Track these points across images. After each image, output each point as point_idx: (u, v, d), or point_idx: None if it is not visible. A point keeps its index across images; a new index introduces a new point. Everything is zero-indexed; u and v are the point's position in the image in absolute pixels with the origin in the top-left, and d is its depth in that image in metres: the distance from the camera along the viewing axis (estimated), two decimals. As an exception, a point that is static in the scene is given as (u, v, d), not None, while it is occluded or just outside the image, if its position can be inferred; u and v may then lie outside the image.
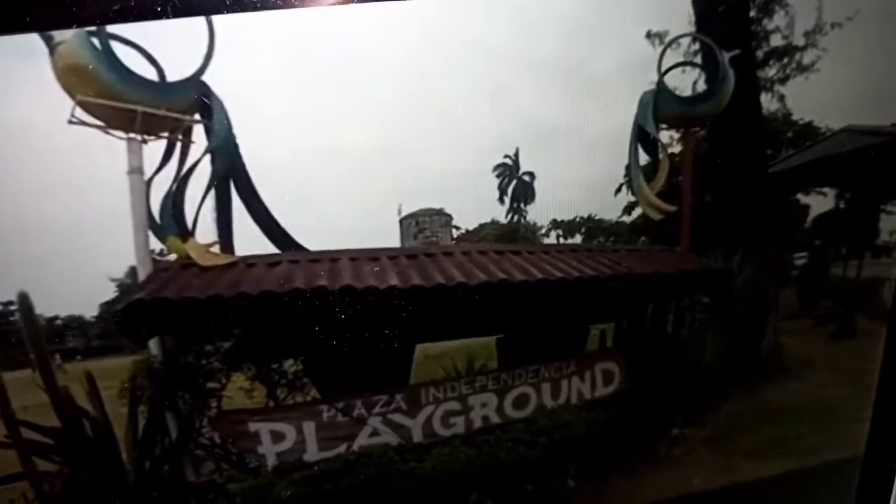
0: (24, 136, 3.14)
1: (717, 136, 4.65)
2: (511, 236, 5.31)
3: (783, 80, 4.94)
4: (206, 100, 3.40)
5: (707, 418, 4.16)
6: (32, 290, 3.24)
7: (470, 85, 3.90)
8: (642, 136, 4.25)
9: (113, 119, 3.31)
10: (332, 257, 3.52)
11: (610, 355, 4.17)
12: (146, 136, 3.45)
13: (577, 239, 5.13)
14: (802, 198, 5.38)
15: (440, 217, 4.85)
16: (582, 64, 3.93)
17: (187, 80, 3.41)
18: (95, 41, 3.13)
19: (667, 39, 4.42)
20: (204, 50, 3.35)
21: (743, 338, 4.45)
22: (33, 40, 3.06)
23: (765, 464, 3.86)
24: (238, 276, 3.28)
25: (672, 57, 4.38)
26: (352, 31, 3.20)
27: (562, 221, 5.26)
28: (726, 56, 4.15)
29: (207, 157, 3.57)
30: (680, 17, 4.38)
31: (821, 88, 4.81)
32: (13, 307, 3.38)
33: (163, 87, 3.39)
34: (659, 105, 4.17)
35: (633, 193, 4.48)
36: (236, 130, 3.45)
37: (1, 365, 3.24)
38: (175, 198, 3.38)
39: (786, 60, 4.88)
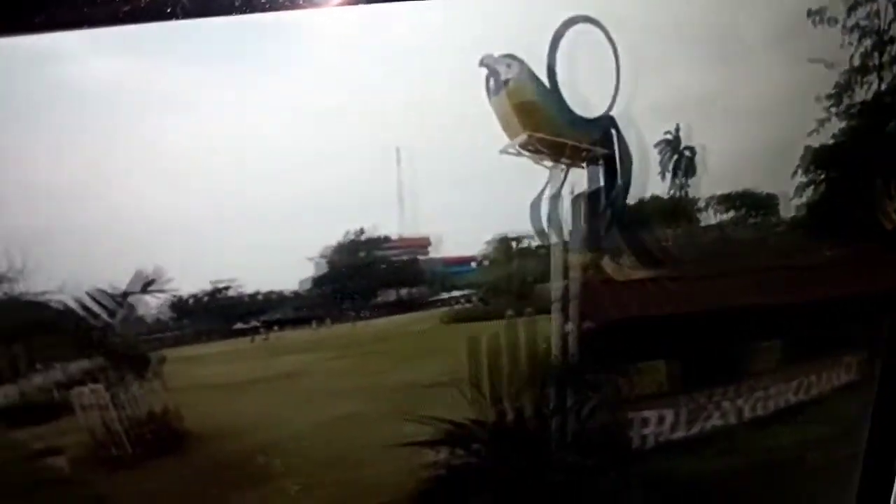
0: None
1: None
2: (672, 212, 5.89)
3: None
4: (613, 131, 3.77)
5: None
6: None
7: (626, 59, 4.27)
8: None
9: (544, 150, 3.57)
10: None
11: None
12: (566, 164, 3.77)
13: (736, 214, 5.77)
14: None
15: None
16: (736, 32, 4.35)
17: (602, 116, 3.77)
18: (544, 80, 3.41)
19: (826, 16, 4.81)
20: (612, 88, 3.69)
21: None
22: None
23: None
24: (674, 292, 3.70)
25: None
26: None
27: (722, 196, 5.91)
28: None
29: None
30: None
31: None
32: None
33: (587, 122, 3.71)
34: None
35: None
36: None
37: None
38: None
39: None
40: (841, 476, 3.03)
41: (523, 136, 3.41)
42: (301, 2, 1.84)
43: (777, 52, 4.23)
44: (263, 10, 1.85)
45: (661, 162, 5.39)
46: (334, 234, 4.44)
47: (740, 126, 4.43)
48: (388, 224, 4.38)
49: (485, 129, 4.00)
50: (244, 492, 3.49)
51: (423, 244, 4.41)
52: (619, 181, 3.85)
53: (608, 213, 3.80)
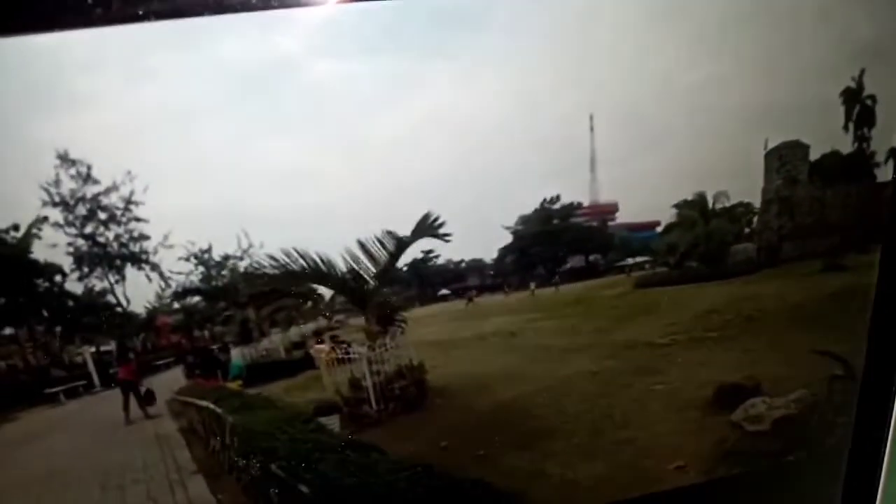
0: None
1: None
2: (850, 167, 5.42)
3: None
4: None
5: None
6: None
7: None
8: None
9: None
10: None
11: None
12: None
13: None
14: None
15: (800, 149, 4.93)
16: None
17: None
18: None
19: None
20: None
21: None
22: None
23: None
24: None
25: None
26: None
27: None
28: None
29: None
30: None
31: None
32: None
33: None
34: None
35: None
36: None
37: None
38: None
39: None
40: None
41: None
42: (273, 2, 1.65)
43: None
44: (235, 10, 1.67)
45: (845, 112, 4.97)
46: (529, 203, 4.40)
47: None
48: (579, 190, 4.25)
49: (679, 91, 3.82)
50: (516, 451, 3.35)
51: (611, 210, 4.25)
52: None
53: None
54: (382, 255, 3.29)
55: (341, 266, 3.27)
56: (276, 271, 3.13)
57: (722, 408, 3.28)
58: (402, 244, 3.26)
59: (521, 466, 3.09)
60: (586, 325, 4.39)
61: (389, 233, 3.21)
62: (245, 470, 3.00)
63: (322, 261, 3.14)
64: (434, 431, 3.42)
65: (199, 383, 3.82)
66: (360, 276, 3.31)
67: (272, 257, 3.11)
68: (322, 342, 4.05)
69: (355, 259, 3.25)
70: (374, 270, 3.32)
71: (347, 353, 3.71)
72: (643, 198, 4.29)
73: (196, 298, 3.66)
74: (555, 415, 3.45)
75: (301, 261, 3.12)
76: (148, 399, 3.61)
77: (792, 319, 3.74)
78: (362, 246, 3.17)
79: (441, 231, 3.24)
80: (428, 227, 3.18)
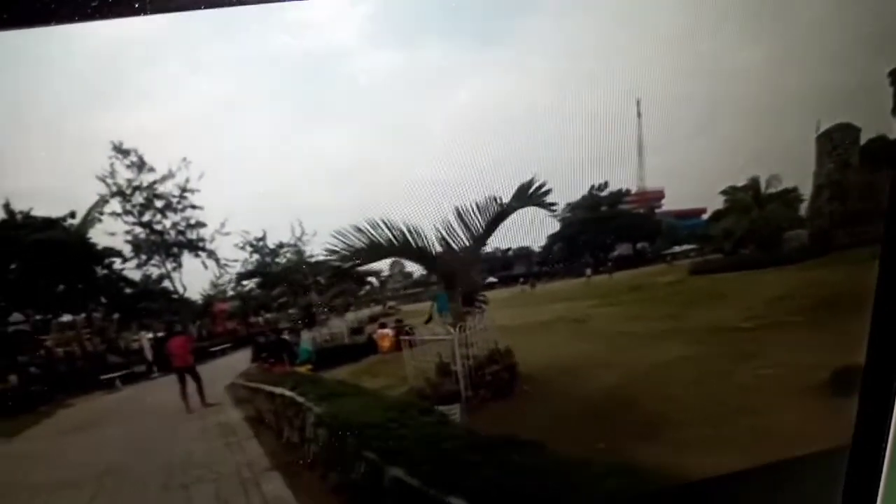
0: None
1: None
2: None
3: None
4: None
5: None
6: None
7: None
8: None
9: None
10: None
11: None
12: None
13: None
14: None
15: (851, 131, 4.87)
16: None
17: None
18: None
19: None
20: None
21: None
22: None
23: None
24: None
25: None
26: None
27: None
28: None
29: None
30: None
31: None
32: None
33: None
34: None
35: None
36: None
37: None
38: None
39: None
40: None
41: None
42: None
43: None
44: (234, 4, 1.69)
45: (894, 94, 4.89)
46: (578, 191, 4.36)
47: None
48: (626, 177, 4.21)
49: (726, 74, 3.77)
50: (640, 443, 3.08)
51: (658, 197, 4.18)
52: None
53: None
54: (479, 225, 3.14)
55: (432, 238, 3.12)
56: (362, 244, 2.97)
57: (844, 391, 3.14)
58: (503, 212, 3.10)
59: (656, 461, 2.79)
60: (653, 312, 4.28)
61: (495, 199, 3.06)
62: (340, 469, 2.70)
63: (410, 232, 2.99)
64: (535, 421, 3.24)
65: (266, 368, 3.65)
66: (452, 249, 3.15)
67: (358, 228, 2.96)
68: (384, 326, 3.91)
69: (449, 230, 3.09)
70: (467, 243, 3.16)
71: (419, 335, 3.56)
72: (688, 184, 4.22)
73: (252, 285, 3.53)
74: (661, 402, 3.30)
75: (387, 232, 2.97)
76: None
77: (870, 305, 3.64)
78: (459, 215, 3.02)
79: (547, 200, 3.08)
80: (531, 194, 3.02)
